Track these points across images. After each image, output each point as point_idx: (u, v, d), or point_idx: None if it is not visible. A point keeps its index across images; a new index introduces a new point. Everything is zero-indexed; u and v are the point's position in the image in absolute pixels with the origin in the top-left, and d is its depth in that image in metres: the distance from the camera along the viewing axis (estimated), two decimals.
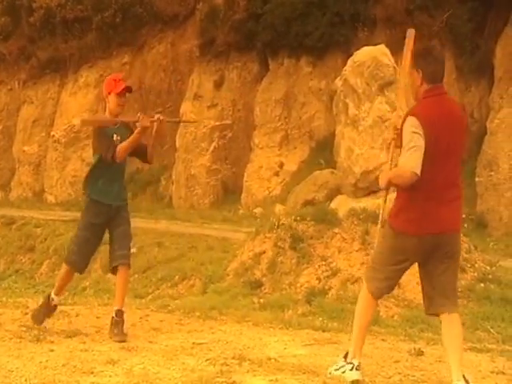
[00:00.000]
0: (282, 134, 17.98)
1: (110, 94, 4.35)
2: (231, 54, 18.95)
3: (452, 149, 3.26)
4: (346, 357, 3.58)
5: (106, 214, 4.41)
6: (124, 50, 21.68)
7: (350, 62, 8.07)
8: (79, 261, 4.48)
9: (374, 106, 7.69)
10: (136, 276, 11.07)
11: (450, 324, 3.35)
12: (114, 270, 4.39)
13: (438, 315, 3.43)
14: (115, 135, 4.34)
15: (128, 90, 4.37)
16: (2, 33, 23.53)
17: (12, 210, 18.20)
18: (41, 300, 4.71)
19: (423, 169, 3.15)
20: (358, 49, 8.39)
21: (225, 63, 19.14)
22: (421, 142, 3.14)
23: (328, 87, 16.45)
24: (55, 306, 4.54)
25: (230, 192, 18.78)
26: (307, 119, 17.55)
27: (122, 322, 4.28)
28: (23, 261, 14.45)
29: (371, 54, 7.76)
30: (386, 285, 3.51)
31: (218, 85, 19.10)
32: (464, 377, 3.29)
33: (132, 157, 4.46)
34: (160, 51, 21.60)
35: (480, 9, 15.46)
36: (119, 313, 4.29)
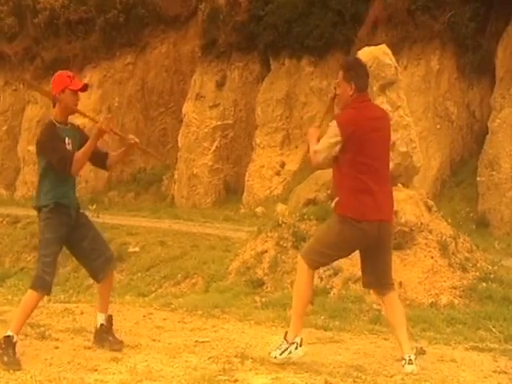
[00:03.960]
0: (284, 134, 18.01)
1: (64, 90, 3.91)
2: (233, 55, 18.98)
3: (380, 145, 3.73)
4: (286, 337, 3.71)
5: (68, 224, 3.86)
6: (127, 50, 21.72)
7: None
8: (51, 282, 3.80)
9: None
10: (139, 274, 11.11)
11: (393, 302, 3.82)
12: (101, 280, 4.00)
13: (376, 294, 3.97)
14: (67, 138, 3.88)
15: (86, 88, 4.00)
16: (8, 34, 23.62)
17: (17, 209, 18.19)
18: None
19: (357, 162, 3.63)
20: (359, 49, 8.37)
21: (226, 63, 19.17)
22: (331, 144, 3.64)
23: (329, 87, 16.45)
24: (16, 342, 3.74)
25: (231, 191, 18.82)
26: (308, 119, 17.55)
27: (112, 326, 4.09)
28: (28, 259, 14.44)
29: (372, 54, 7.73)
30: (324, 263, 3.95)
31: (220, 85, 19.13)
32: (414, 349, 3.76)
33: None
34: (162, 52, 21.66)
35: (481, 9, 15.45)
36: (110, 318, 4.10)
